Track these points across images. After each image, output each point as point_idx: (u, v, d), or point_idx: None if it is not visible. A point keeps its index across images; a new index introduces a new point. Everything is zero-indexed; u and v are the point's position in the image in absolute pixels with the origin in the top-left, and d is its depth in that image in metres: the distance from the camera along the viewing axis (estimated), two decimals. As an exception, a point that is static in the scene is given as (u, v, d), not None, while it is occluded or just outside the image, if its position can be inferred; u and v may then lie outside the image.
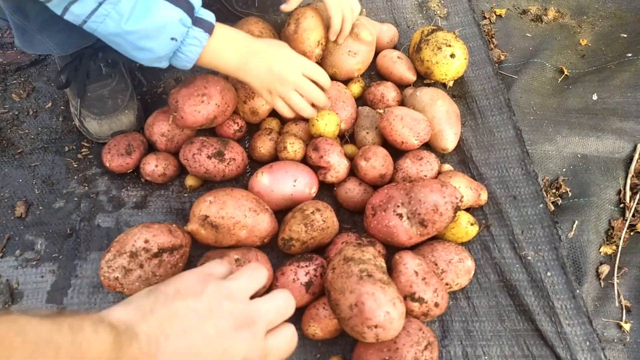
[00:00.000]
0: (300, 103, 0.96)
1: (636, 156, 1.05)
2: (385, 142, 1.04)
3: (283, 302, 0.63)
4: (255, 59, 0.90)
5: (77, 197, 1.02)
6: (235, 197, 0.89)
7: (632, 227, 0.99)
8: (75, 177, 1.05)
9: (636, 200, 1.01)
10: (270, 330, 0.60)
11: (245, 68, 0.89)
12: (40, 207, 1.01)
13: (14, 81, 1.18)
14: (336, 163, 0.97)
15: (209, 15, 0.82)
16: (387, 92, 1.09)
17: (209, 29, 0.81)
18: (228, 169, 0.99)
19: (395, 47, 1.22)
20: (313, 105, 0.99)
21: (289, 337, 0.63)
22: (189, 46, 0.80)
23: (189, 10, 0.77)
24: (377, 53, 1.18)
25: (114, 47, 0.78)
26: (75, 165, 1.06)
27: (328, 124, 1.00)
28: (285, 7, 1.02)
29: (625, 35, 1.25)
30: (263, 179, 0.95)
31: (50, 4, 0.70)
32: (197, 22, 0.80)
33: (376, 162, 0.97)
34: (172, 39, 0.77)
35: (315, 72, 0.97)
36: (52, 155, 1.07)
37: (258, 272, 0.63)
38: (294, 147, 0.99)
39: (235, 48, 0.88)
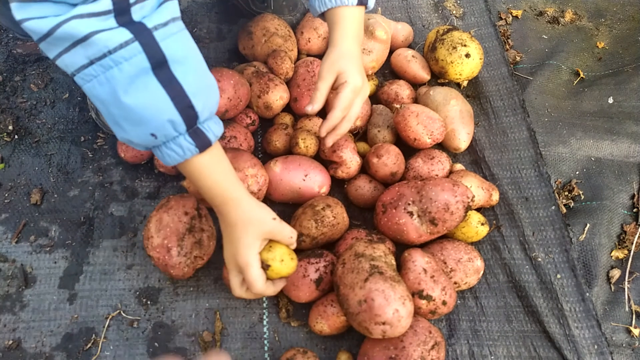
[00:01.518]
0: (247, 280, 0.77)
1: (651, 161, 1.04)
2: (398, 141, 1.04)
3: None
4: (228, 217, 0.76)
5: (91, 186, 1.04)
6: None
7: (644, 232, 0.98)
8: (91, 167, 1.06)
9: (650, 205, 1.00)
10: None
11: (219, 213, 0.77)
12: (55, 195, 1.03)
13: (33, 72, 1.20)
14: (349, 159, 0.98)
15: (212, 133, 0.70)
16: (401, 90, 1.09)
17: (202, 145, 0.69)
18: (229, 147, 0.99)
19: (409, 46, 1.22)
20: None
21: None
22: (170, 151, 0.68)
23: (189, 117, 0.66)
24: (391, 51, 1.18)
25: (96, 105, 0.67)
26: (91, 155, 1.08)
27: (284, 259, 0.77)
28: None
29: (643, 39, 1.24)
30: (276, 167, 0.96)
31: (42, 46, 0.61)
32: (194, 132, 0.68)
33: (388, 160, 0.97)
34: (152, 134, 0.66)
35: (250, 282, 0.75)
36: (68, 144, 1.09)
37: None
38: (305, 142, 1.00)
39: (222, 181, 0.75)
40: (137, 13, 0.61)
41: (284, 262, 0.76)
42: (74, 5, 0.58)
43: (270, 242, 0.77)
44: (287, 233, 0.77)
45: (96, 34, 0.58)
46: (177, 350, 0.87)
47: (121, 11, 0.60)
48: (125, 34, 0.60)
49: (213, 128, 0.70)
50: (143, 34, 0.61)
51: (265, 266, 0.75)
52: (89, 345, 0.87)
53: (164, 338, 0.88)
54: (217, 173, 0.74)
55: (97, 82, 0.61)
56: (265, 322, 0.90)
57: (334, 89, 0.87)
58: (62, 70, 1.19)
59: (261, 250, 0.75)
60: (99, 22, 0.59)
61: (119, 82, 0.61)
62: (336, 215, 0.91)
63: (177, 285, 0.92)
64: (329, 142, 0.91)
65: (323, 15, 0.87)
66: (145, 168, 1.06)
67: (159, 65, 0.62)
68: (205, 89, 0.68)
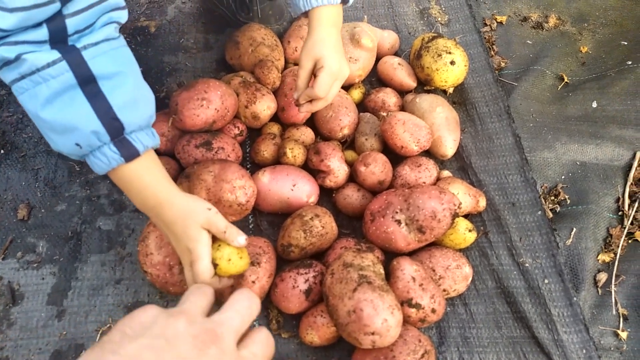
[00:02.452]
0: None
1: (635, 164, 1.06)
2: (385, 149, 1.05)
3: (245, 304, 0.57)
4: (158, 218, 0.78)
5: (79, 200, 1.03)
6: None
7: (630, 235, 1.00)
8: (78, 181, 1.05)
9: (635, 208, 1.02)
10: (241, 339, 0.57)
11: (152, 217, 0.79)
12: (43, 210, 1.02)
13: (18, 85, 1.19)
14: (336, 168, 0.98)
15: (142, 142, 0.72)
16: (388, 98, 1.10)
17: (128, 155, 0.71)
18: (217, 157, 0.99)
19: (396, 54, 1.23)
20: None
21: (264, 341, 0.57)
22: (97, 159, 0.71)
23: (114, 128, 0.69)
24: (378, 59, 1.19)
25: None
26: (78, 169, 1.07)
27: (231, 258, 0.76)
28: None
29: (625, 43, 1.25)
30: (264, 178, 0.96)
31: None
32: (120, 143, 0.71)
33: (375, 168, 0.97)
34: (77, 144, 0.69)
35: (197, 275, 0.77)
36: (54, 158, 1.08)
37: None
38: (293, 152, 1.00)
39: (151, 187, 0.76)
40: (74, 41, 0.68)
41: (232, 261, 0.75)
42: (10, 33, 0.63)
43: (220, 242, 0.76)
44: (221, 226, 0.75)
45: (25, 54, 0.64)
46: (168, 364, 0.86)
47: (57, 40, 0.67)
48: (53, 54, 0.65)
49: (142, 138, 0.73)
50: (72, 54, 0.66)
51: (213, 264, 0.74)
52: (78, 361, 0.86)
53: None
54: (147, 180, 0.75)
55: (28, 95, 0.66)
56: (255, 334, 0.89)
57: (314, 74, 0.91)
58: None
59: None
60: (32, 47, 0.65)
61: (46, 96, 0.66)
62: (325, 225, 0.92)
63: (166, 299, 0.92)
64: (302, 112, 0.96)
65: (305, 13, 0.91)
66: (133, 181, 1.05)
67: (86, 81, 0.67)
68: (134, 102, 0.71)
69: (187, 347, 0.49)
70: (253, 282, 0.86)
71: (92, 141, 0.69)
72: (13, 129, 1.13)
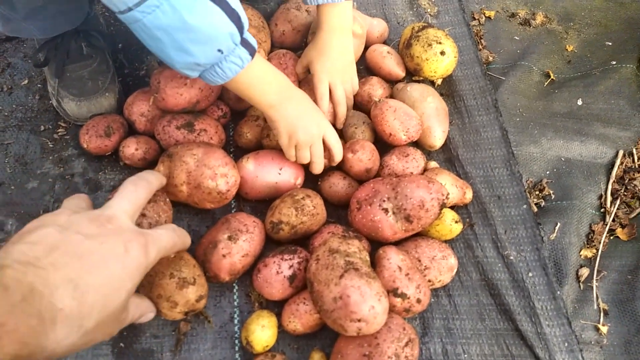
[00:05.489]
0: (316, 154, 0.93)
1: (617, 162, 1.07)
2: (374, 140, 1.03)
3: (130, 189, 0.67)
4: (290, 102, 0.89)
5: (51, 178, 0.98)
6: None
7: (611, 231, 1.00)
8: (51, 158, 1.00)
9: (616, 206, 1.02)
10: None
11: (278, 107, 0.88)
12: (12, 187, 0.97)
13: (-12, 56, 1.13)
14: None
15: (253, 40, 0.78)
16: (374, 90, 1.07)
17: (252, 52, 0.77)
18: (199, 140, 0.96)
19: (384, 43, 1.21)
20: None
21: (172, 228, 0.67)
22: (230, 63, 0.75)
23: (240, 28, 0.73)
24: (366, 47, 1.16)
25: (150, 42, 0.70)
26: (51, 146, 1.02)
27: (265, 328, 0.82)
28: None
29: (610, 44, 1.27)
30: (248, 165, 0.93)
31: None
32: (244, 42, 0.76)
33: (363, 156, 0.95)
34: (219, 50, 0.72)
35: (334, 142, 0.94)
36: (26, 134, 1.03)
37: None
38: None
39: (275, 84, 0.87)
40: None
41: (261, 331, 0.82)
42: None
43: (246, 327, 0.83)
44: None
45: None
46: (144, 351, 0.83)
47: None
48: None
49: (251, 37, 0.78)
50: None
51: (248, 343, 0.82)
52: (46, 346, 0.82)
53: (130, 339, 0.84)
54: (271, 71, 0.86)
55: (161, 11, 0.64)
56: (236, 322, 0.87)
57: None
58: (20, 55, 1.14)
59: None
60: None
61: (185, 6, 0.65)
62: (316, 206, 0.90)
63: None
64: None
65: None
66: (110, 160, 1.01)
67: None
68: (238, 2, 0.74)
69: (86, 225, 0.53)
70: (224, 255, 0.83)
71: (229, 44, 0.72)
72: (-19, 102, 1.06)
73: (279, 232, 0.88)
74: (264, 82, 0.84)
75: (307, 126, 0.90)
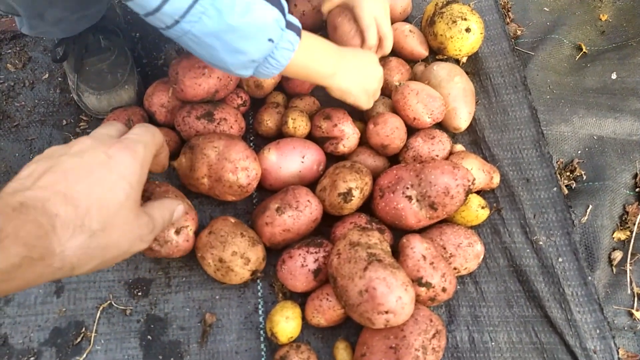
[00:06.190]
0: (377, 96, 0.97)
1: (655, 139, 1.01)
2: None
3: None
4: (348, 63, 0.87)
5: (76, 173, 0.99)
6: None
7: (647, 212, 0.96)
8: (74, 152, 1.01)
9: (653, 185, 0.98)
10: None
11: (340, 73, 0.86)
12: (38, 183, 0.98)
13: (9, 50, 1.13)
14: (350, 132, 0.94)
15: (295, 20, 0.75)
16: (391, 75, 1.04)
17: (298, 32, 0.75)
18: (219, 129, 0.96)
19: (407, 20, 1.17)
20: None
21: (145, 126, 0.64)
22: (282, 50, 0.73)
23: (282, 11, 0.71)
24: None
25: (201, 51, 0.70)
26: (74, 140, 1.03)
27: (289, 319, 0.83)
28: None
29: (647, 11, 1.19)
30: (271, 156, 0.92)
31: (135, 4, 0.62)
32: (289, 25, 0.73)
33: (381, 130, 0.93)
34: (270, 40, 0.70)
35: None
36: (49, 128, 1.04)
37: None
38: (295, 122, 0.96)
39: (325, 52, 0.84)
40: None
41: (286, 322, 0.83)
42: None
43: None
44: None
45: None
46: (171, 343, 0.84)
47: None
48: None
49: (292, 17, 0.75)
50: None
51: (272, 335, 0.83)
52: (78, 339, 0.84)
53: (157, 331, 0.85)
54: (317, 41, 0.82)
55: (207, 16, 0.63)
56: (260, 312, 0.87)
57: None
58: (40, 49, 1.14)
59: None
60: None
61: (228, 5, 0.64)
62: (362, 168, 0.90)
63: (169, 276, 0.89)
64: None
65: None
66: (132, 152, 1.01)
67: None
68: None
69: (68, 148, 0.55)
70: (267, 223, 0.87)
71: (277, 31, 0.70)
72: (5, 97, 1.08)
73: (351, 200, 0.87)
74: (316, 55, 0.82)
75: (375, 75, 0.93)
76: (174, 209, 0.68)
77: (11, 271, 0.43)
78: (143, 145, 0.60)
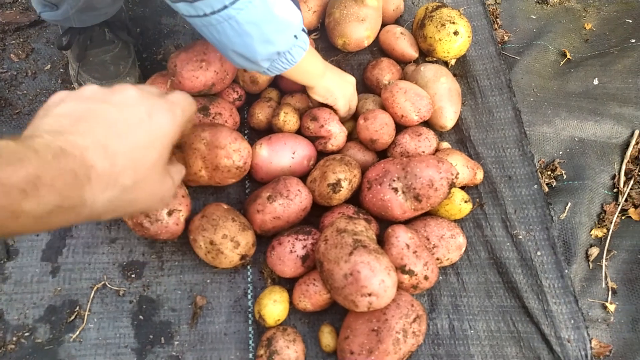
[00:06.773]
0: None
1: (633, 142, 1.06)
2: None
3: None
4: (331, 68, 1.00)
5: (74, 159, 1.02)
6: None
7: (623, 211, 1.01)
8: (73, 140, 1.04)
9: (629, 186, 1.02)
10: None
11: (327, 74, 0.97)
12: (38, 168, 1.01)
13: (13, 41, 1.17)
14: (337, 131, 0.98)
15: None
16: (381, 76, 1.08)
17: (308, 35, 0.84)
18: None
19: (398, 23, 1.21)
20: None
21: (181, 94, 0.65)
22: (297, 48, 0.81)
23: (300, 12, 0.79)
24: (383, 24, 1.16)
25: (235, 38, 0.73)
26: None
27: (277, 303, 0.86)
28: None
29: (630, 21, 1.24)
30: (262, 151, 0.95)
31: None
32: (303, 27, 0.82)
33: (371, 126, 0.97)
34: (295, 36, 0.78)
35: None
36: (50, 116, 1.07)
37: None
38: (286, 117, 0.99)
39: (318, 57, 0.94)
40: None
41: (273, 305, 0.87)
42: None
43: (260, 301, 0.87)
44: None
45: None
46: (162, 323, 0.87)
47: None
48: None
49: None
50: None
51: (260, 317, 0.86)
52: (72, 317, 0.87)
53: (149, 312, 0.88)
54: (312, 49, 0.90)
55: (253, 5, 0.69)
56: (249, 297, 0.90)
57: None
58: (43, 41, 1.18)
59: None
60: None
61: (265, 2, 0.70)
62: (353, 161, 0.94)
63: (163, 260, 0.92)
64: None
65: None
66: (130, 142, 1.04)
67: None
68: None
69: (110, 95, 0.54)
70: (258, 211, 0.87)
71: (299, 29, 0.79)
72: (7, 86, 1.11)
73: (340, 191, 0.90)
74: (313, 57, 0.90)
75: (348, 79, 1.02)
76: (184, 173, 0.70)
77: (42, 217, 0.44)
78: (182, 110, 0.62)
